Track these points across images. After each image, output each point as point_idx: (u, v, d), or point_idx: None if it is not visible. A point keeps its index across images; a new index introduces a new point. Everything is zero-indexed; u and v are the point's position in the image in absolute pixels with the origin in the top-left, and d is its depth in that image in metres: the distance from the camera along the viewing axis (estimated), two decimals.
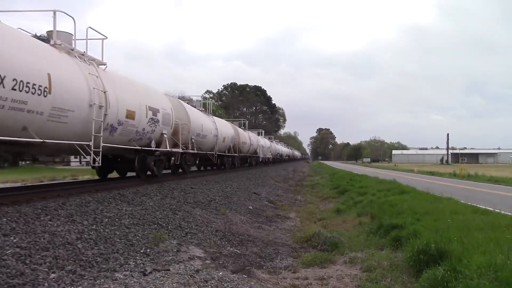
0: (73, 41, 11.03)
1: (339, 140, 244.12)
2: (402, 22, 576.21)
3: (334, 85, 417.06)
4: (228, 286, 6.12)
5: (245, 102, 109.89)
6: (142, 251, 7.26)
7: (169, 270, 6.42)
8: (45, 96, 8.48)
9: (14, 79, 7.62)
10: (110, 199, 10.02)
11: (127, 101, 12.29)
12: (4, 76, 7.41)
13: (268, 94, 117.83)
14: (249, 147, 35.78)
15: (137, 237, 7.84)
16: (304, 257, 8.74)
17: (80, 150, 10.24)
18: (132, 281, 5.71)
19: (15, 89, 7.64)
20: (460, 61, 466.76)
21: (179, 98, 23.31)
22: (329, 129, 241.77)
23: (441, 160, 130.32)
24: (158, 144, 15.01)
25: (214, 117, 25.64)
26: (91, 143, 10.32)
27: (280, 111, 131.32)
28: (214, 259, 7.70)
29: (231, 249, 8.81)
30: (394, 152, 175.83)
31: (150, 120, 13.84)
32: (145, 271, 6.18)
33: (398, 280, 6.73)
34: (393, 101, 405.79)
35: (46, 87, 8.50)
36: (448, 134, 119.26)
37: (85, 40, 11.49)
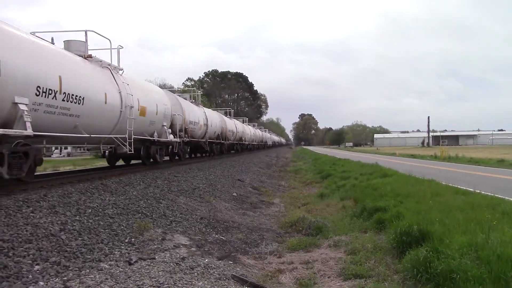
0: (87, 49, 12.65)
1: (321, 125, 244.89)
2: (376, 8, 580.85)
3: (312, 70, 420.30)
4: (214, 273, 6.14)
5: (227, 89, 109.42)
6: (127, 240, 7.23)
7: (154, 258, 6.41)
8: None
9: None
10: (93, 189, 9.94)
11: (142, 100, 15.15)
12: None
13: (250, 81, 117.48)
14: (235, 134, 37.27)
15: (122, 227, 7.80)
16: (289, 242, 8.81)
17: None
18: (118, 271, 5.69)
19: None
20: (434, 45, 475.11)
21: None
22: (311, 115, 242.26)
23: (422, 142, 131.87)
24: (159, 135, 17.32)
25: (203, 107, 27.36)
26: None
27: (262, 97, 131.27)
28: (199, 247, 7.71)
29: (216, 236, 8.83)
30: (376, 136, 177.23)
31: (155, 114, 16.63)
32: (130, 260, 6.16)
33: (382, 261, 6.84)
34: (372, 86, 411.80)
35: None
36: (428, 117, 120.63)
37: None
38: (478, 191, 11.32)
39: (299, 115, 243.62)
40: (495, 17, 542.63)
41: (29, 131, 8.55)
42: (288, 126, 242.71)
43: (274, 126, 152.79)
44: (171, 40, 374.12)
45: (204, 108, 25.58)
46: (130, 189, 10.91)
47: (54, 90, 9.64)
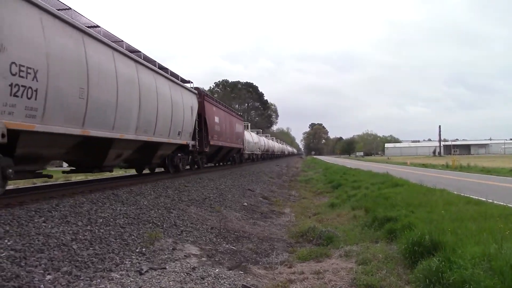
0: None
1: (332, 134, 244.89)
2: (379, 16, 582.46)
3: (319, 79, 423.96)
4: (224, 283, 6.13)
5: (237, 99, 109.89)
6: (137, 250, 7.25)
7: (165, 268, 6.42)
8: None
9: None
10: (104, 199, 9.99)
11: (253, 139, 47.92)
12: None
13: (260, 91, 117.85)
14: (272, 148, 67.51)
15: (132, 237, 7.82)
16: (299, 252, 8.76)
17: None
18: (129, 281, 5.70)
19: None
20: (439, 52, 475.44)
21: None
22: (321, 124, 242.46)
23: (434, 152, 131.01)
24: (255, 151, 45.67)
25: (263, 137, 60.32)
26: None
27: (272, 107, 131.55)
28: (210, 256, 7.70)
29: (227, 246, 8.82)
30: (386, 145, 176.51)
31: (257, 143, 49.00)
32: (141, 270, 6.17)
33: (393, 272, 6.78)
34: (380, 94, 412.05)
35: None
36: (440, 126, 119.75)
37: None
38: (491, 200, 11.20)
39: (309, 125, 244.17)
40: (500, 23, 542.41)
41: (248, 152, 41.60)
42: (298, 136, 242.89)
43: (285, 136, 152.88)
44: (175, 51, 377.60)
45: (263, 137, 58.46)
46: (141, 199, 10.95)
47: (249, 141, 41.53)
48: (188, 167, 21.44)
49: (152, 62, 15.05)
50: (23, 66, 7.78)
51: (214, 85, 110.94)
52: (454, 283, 5.19)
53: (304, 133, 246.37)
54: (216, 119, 24.51)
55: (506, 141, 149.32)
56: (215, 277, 6.30)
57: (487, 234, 6.83)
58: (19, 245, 5.93)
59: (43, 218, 7.39)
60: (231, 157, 34.72)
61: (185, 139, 18.26)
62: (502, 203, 10.88)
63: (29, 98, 8.02)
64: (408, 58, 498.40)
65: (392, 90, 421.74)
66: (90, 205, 9.12)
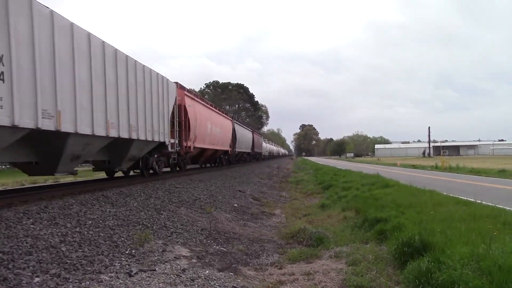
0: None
1: (322, 136, 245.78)
2: (362, 18, 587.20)
3: (308, 81, 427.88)
4: (214, 284, 6.11)
5: (228, 100, 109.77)
6: (127, 252, 7.20)
7: (155, 270, 6.39)
8: None
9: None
10: (94, 200, 9.93)
11: (264, 143, 78.70)
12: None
13: (251, 92, 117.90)
14: (272, 151, 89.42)
15: (122, 238, 7.78)
16: (290, 253, 8.77)
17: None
18: (118, 283, 5.66)
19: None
20: (426, 54, 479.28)
21: None
22: (312, 125, 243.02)
23: (423, 153, 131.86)
24: (266, 153, 76.86)
25: (268, 143, 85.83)
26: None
27: (263, 108, 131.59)
28: (200, 258, 7.68)
29: (217, 247, 8.80)
30: (377, 146, 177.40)
31: (266, 147, 79.28)
32: (130, 272, 6.13)
33: (383, 272, 6.80)
34: (369, 95, 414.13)
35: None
36: (429, 127, 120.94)
37: None
38: (479, 201, 11.28)
39: (300, 126, 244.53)
40: (486, 25, 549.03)
41: (263, 154, 69.80)
42: (289, 137, 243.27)
43: (275, 137, 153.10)
44: (165, 52, 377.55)
45: (268, 143, 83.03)
46: (130, 200, 10.89)
47: (263, 147, 68.23)
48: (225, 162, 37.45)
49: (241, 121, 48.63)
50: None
51: (204, 86, 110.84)
52: (443, 283, 5.22)
53: (294, 134, 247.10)
54: (255, 139, 53.83)
55: (494, 142, 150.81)
56: (205, 278, 6.28)
57: (476, 235, 6.89)
58: (7, 248, 5.88)
59: (31, 220, 7.33)
60: (256, 157, 58.37)
61: (249, 150, 44.70)
62: (490, 204, 10.96)
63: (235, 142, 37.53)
64: (395, 60, 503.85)
65: (381, 92, 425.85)
66: (79, 206, 9.06)
